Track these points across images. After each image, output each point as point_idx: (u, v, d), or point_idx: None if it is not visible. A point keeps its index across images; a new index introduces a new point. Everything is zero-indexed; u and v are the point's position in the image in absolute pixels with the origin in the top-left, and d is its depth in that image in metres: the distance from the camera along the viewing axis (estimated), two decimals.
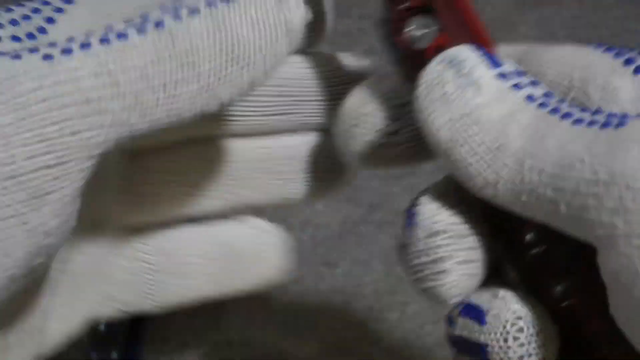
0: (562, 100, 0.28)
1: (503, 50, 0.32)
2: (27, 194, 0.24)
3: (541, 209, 0.26)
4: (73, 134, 0.25)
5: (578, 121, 0.26)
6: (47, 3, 0.30)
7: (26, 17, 0.29)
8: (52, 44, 0.26)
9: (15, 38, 0.28)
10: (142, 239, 0.37)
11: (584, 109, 0.27)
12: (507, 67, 0.29)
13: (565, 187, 0.25)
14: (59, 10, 0.30)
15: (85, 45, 0.26)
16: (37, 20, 0.29)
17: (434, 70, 0.29)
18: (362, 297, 0.69)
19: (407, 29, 0.31)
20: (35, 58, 0.25)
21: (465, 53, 0.29)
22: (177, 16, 0.27)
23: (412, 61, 0.31)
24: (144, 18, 0.27)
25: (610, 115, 0.26)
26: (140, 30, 0.27)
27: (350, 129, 0.34)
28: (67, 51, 0.26)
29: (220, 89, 0.28)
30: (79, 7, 0.30)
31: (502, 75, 0.28)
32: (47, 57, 0.25)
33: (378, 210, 0.68)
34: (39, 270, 0.26)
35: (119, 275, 0.36)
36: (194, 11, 0.27)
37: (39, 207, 0.24)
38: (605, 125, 0.25)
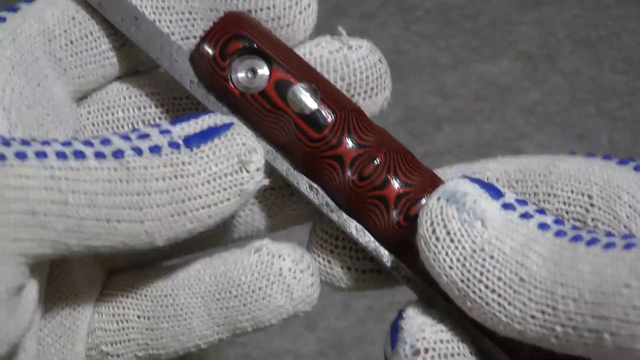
0: (577, 227, 0.26)
1: (497, 167, 0.31)
2: None
3: (579, 341, 0.24)
4: (13, 240, 0.25)
5: (610, 245, 0.24)
6: None
7: None
8: (6, 143, 0.26)
9: None
10: (131, 287, 0.34)
11: (609, 234, 0.25)
12: (508, 196, 0.27)
13: (609, 315, 0.23)
14: None
15: (40, 154, 0.26)
16: None
17: (435, 208, 0.27)
18: (362, 297, 0.69)
19: (234, 77, 0.30)
20: None
21: (464, 186, 0.27)
22: (137, 149, 0.27)
23: (251, 106, 0.30)
24: (105, 141, 0.27)
25: (629, 236, 0.24)
26: (98, 154, 0.26)
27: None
28: (21, 155, 0.25)
29: (160, 233, 0.27)
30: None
31: (507, 206, 0.27)
32: (1, 157, 0.25)
33: None
34: None
35: (106, 333, 0.34)
36: (155, 149, 0.27)
37: None
38: None
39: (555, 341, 0.25)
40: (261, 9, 0.30)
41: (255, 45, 0.30)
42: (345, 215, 0.30)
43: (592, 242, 0.25)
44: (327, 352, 0.66)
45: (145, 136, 0.27)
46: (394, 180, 0.30)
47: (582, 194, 0.28)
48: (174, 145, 0.27)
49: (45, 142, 0.26)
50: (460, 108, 0.78)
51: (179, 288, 0.32)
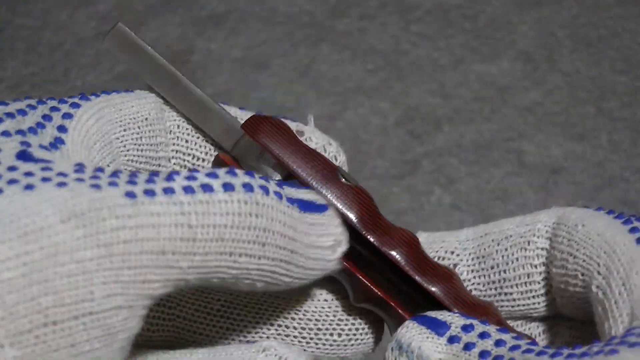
0: (515, 347, 0.27)
1: (548, 216, 0.33)
2: (103, 331, 0.24)
3: None
4: (144, 282, 0.25)
5: None
6: (56, 109, 0.30)
7: (40, 125, 0.29)
8: (132, 181, 0.26)
9: (43, 147, 0.28)
10: None
11: (540, 353, 0.26)
12: (454, 327, 0.29)
13: None
14: (68, 116, 0.30)
15: (168, 190, 0.25)
16: (51, 130, 0.29)
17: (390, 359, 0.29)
18: None
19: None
20: (117, 193, 0.25)
21: (409, 334, 0.29)
22: (264, 188, 0.27)
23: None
24: (231, 172, 0.27)
25: (570, 355, 0.25)
26: (227, 186, 0.26)
27: None
28: (150, 193, 0.25)
29: (266, 276, 0.28)
30: (85, 111, 0.31)
31: (452, 339, 0.28)
32: (130, 194, 0.25)
33: None
34: None
35: None
36: (278, 195, 0.28)
37: (111, 344, 0.25)
38: None
39: None
40: None
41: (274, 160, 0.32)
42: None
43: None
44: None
45: (265, 179, 0.28)
46: None
47: (593, 260, 0.30)
48: (289, 200, 0.28)
49: (170, 178, 0.26)
50: (460, 108, 0.78)
51: None
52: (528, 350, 0.27)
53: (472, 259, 0.34)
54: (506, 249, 0.34)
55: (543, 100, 0.78)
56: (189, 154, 0.34)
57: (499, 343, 0.28)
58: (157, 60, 0.34)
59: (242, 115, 0.34)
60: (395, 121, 0.77)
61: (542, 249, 0.33)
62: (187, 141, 0.34)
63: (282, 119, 0.34)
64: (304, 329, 0.33)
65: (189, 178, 0.26)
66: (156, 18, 0.85)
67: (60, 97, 0.32)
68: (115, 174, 0.26)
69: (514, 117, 0.77)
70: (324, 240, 0.29)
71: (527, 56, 0.82)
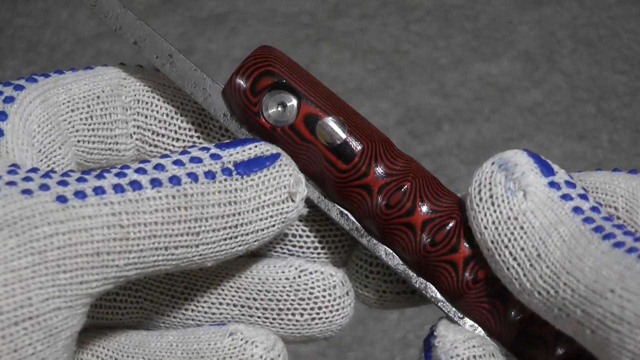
0: (608, 219, 0.27)
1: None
2: (44, 333, 0.24)
3: (570, 326, 0.26)
4: (81, 283, 0.25)
5: (619, 244, 0.26)
6: None
7: None
8: (63, 182, 0.26)
9: None
10: (102, 350, 0.34)
11: (627, 232, 0.26)
12: (559, 176, 0.29)
13: (593, 314, 0.24)
14: (10, 99, 0.30)
15: (98, 190, 0.26)
16: None
17: (486, 171, 0.29)
18: None
19: (265, 111, 0.31)
20: (48, 198, 0.25)
21: (518, 158, 0.29)
22: (193, 175, 0.27)
23: (282, 139, 0.31)
24: (158, 167, 0.27)
25: None
26: (154, 181, 0.27)
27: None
28: (80, 194, 0.25)
29: (211, 255, 0.28)
30: (28, 94, 0.30)
31: (553, 184, 0.28)
32: (61, 198, 0.25)
33: None
34: None
35: None
36: (209, 175, 0.28)
37: (55, 343, 0.25)
38: None
39: (553, 320, 0.26)
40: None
41: (284, 80, 0.31)
42: (374, 240, 0.31)
43: (607, 237, 0.26)
44: (326, 352, 0.66)
45: (197, 160, 0.28)
46: (420, 206, 0.31)
47: (609, 206, 0.30)
48: (226, 171, 0.28)
49: (101, 176, 0.26)
50: (460, 108, 0.78)
51: (150, 357, 0.32)
52: (618, 226, 0.27)
53: None
54: None
55: (543, 100, 0.78)
56: (149, 130, 0.34)
57: (594, 209, 0.28)
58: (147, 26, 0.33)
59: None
60: (395, 121, 0.77)
61: None
62: (146, 117, 0.34)
63: None
64: (265, 309, 0.33)
65: (118, 175, 0.26)
66: (156, 18, 0.85)
67: None
68: (47, 174, 0.26)
69: (514, 117, 0.78)
70: (276, 196, 0.29)
71: (527, 56, 0.82)
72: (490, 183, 0.29)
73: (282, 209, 0.29)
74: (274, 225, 0.29)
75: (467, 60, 0.82)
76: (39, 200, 0.25)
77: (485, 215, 0.28)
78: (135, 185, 0.26)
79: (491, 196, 0.28)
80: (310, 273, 0.33)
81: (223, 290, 0.33)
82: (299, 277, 0.33)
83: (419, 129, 0.77)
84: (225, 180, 0.28)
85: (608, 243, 0.26)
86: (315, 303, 0.33)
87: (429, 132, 0.76)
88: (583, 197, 0.28)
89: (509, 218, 0.28)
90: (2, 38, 0.85)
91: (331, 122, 0.31)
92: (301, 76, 0.31)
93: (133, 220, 0.26)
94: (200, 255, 0.28)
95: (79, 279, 0.25)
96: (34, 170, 0.26)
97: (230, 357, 0.32)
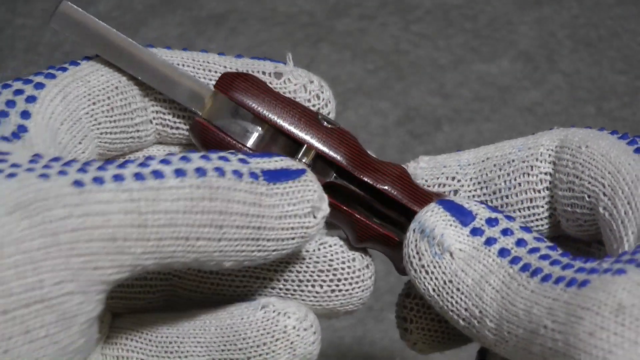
0: (534, 250, 0.27)
1: (550, 138, 0.32)
2: (57, 316, 0.24)
3: None
4: (95, 268, 0.25)
5: (546, 278, 0.26)
6: (19, 92, 0.30)
7: (3, 114, 0.29)
8: (83, 169, 0.25)
9: (4, 138, 0.28)
10: (135, 331, 0.34)
11: (555, 262, 0.26)
12: (479, 218, 0.29)
13: (535, 352, 0.25)
14: (32, 99, 0.30)
15: (118, 177, 0.25)
16: (15, 118, 0.29)
17: (411, 242, 0.30)
18: None
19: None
20: (65, 182, 0.25)
21: (433, 219, 0.29)
22: (220, 170, 0.27)
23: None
24: (184, 159, 0.27)
25: (580, 269, 0.26)
26: (178, 171, 0.26)
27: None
28: (98, 180, 0.25)
29: (230, 255, 0.28)
30: (49, 91, 0.30)
31: (475, 231, 0.29)
32: (78, 183, 0.25)
33: None
34: None
35: None
36: (236, 173, 0.27)
37: (69, 327, 0.25)
38: (570, 283, 0.25)
39: None
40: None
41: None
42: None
43: (535, 273, 0.26)
44: (327, 352, 0.66)
45: (224, 159, 0.28)
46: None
47: (598, 182, 0.30)
48: (253, 175, 0.28)
49: (122, 165, 0.26)
50: (460, 108, 0.78)
51: (184, 336, 0.32)
52: (545, 257, 0.27)
53: (474, 184, 0.34)
54: (508, 174, 0.33)
55: (543, 100, 0.78)
56: (170, 113, 0.34)
57: (520, 243, 0.28)
58: (110, 34, 0.33)
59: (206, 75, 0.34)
60: (395, 121, 0.77)
61: (545, 173, 0.32)
62: (164, 100, 0.34)
63: (260, 60, 0.34)
64: (286, 280, 0.33)
65: (141, 165, 0.26)
66: (156, 18, 0.85)
67: None
68: (68, 163, 0.26)
69: (514, 117, 0.78)
70: (299, 208, 0.29)
71: (527, 56, 0.82)
72: (417, 253, 0.29)
73: (304, 223, 0.29)
74: (294, 238, 0.29)
75: (467, 60, 0.82)
76: (55, 184, 0.24)
77: (424, 284, 0.29)
78: (157, 174, 0.26)
79: (422, 266, 0.29)
80: (330, 246, 0.33)
81: None
82: (319, 249, 0.33)
83: (419, 129, 0.76)
84: (252, 182, 0.28)
85: (536, 280, 0.26)
86: (335, 275, 0.33)
87: (429, 132, 0.76)
88: (506, 232, 0.28)
89: (444, 283, 0.28)
90: (2, 38, 0.85)
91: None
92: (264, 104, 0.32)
93: (152, 207, 0.25)
94: (221, 251, 0.27)
95: (92, 264, 0.25)
96: (56, 159, 0.26)
97: (264, 329, 0.32)
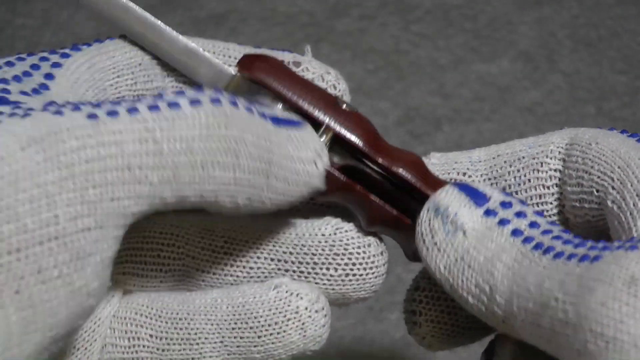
0: (547, 232, 0.28)
1: (560, 136, 0.33)
2: (71, 255, 0.23)
3: (537, 342, 0.26)
4: (112, 199, 0.24)
5: (558, 255, 0.26)
6: (45, 59, 0.30)
7: (27, 74, 0.29)
8: (97, 105, 0.25)
9: (24, 93, 0.27)
10: (145, 307, 0.34)
11: (567, 241, 0.27)
12: (493, 200, 0.29)
13: (544, 325, 0.25)
14: (57, 65, 0.30)
15: (132, 110, 0.25)
16: (38, 77, 0.29)
17: (424, 221, 0.30)
18: None
19: None
20: (79, 116, 0.24)
21: (448, 198, 0.30)
22: (234, 102, 0.27)
23: None
24: (198, 89, 0.27)
25: (592, 247, 0.26)
26: (194, 101, 0.26)
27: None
28: (112, 113, 0.25)
29: (244, 189, 0.27)
30: (75, 60, 0.31)
31: (488, 212, 0.29)
32: (92, 116, 0.24)
33: None
34: (74, 334, 0.25)
35: (118, 340, 0.34)
36: (249, 109, 0.28)
37: (83, 268, 0.24)
38: (583, 258, 0.25)
39: (528, 340, 0.27)
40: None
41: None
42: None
43: (547, 251, 0.27)
44: (327, 352, 0.66)
45: (236, 98, 0.28)
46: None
47: (607, 176, 0.30)
48: (262, 115, 0.28)
49: (137, 99, 0.26)
50: (460, 108, 0.78)
51: (194, 313, 0.32)
52: (557, 237, 0.27)
53: (484, 180, 0.34)
54: (518, 171, 0.34)
55: (543, 100, 0.78)
56: None
57: (533, 225, 0.28)
58: (136, 12, 0.34)
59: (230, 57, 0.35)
60: (395, 121, 0.77)
61: (555, 170, 0.33)
62: (185, 82, 0.34)
63: (280, 51, 0.35)
64: (301, 263, 0.33)
65: (156, 97, 0.26)
66: (156, 18, 0.85)
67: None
68: (83, 102, 0.25)
69: (514, 117, 0.78)
70: (304, 153, 0.29)
71: (527, 56, 0.82)
72: (430, 231, 0.30)
73: (308, 170, 0.30)
74: (297, 186, 0.29)
75: (467, 60, 0.82)
76: (68, 118, 0.24)
77: (436, 262, 0.29)
78: (173, 104, 0.26)
79: (435, 243, 0.29)
80: (346, 231, 0.33)
81: (261, 244, 0.33)
82: (335, 233, 0.33)
83: (419, 129, 0.77)
84: (262, 119, 0.28)
85: (548, 257, 0.26)
86: (350, 259, 0.33)
87: (429, 132, 0.76)
88: (520, 214, 0.29)
89: (456, 260, 0.29)
90: (2, 38, 0.85)
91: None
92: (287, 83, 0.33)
93: (168, 135, 0.25)
94: (237, 184, 0.27)
95: (109, 195, 0.24)
96: (73, 103, 0.26)
97: (277, 309, 0.32)
